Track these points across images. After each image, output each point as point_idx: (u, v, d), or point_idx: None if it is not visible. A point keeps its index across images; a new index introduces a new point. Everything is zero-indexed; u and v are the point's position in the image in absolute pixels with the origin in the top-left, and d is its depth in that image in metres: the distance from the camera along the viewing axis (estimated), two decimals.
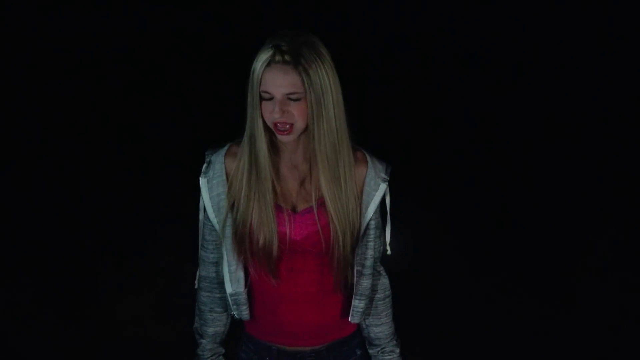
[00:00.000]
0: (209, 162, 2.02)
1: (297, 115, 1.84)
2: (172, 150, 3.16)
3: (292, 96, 1.82)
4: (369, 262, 2.03)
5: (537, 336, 3.46)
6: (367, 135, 2.04)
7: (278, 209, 1.96)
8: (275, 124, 1.85)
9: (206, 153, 2.04)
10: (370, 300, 2.11)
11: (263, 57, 1.82)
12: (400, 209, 2.09)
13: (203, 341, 2.14)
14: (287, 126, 1.84)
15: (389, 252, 2.12)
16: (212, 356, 2.15)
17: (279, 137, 1.87)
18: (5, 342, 3.19)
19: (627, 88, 3.26)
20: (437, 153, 3.24)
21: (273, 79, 1.82)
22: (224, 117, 2.60)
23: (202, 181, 2.02)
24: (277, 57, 1.81)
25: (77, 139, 3.16)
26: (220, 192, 2.00)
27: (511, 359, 3.39)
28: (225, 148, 2.02)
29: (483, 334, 3.42)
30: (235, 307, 2.06)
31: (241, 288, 2.04)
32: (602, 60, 3.21)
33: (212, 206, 2.01)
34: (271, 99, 1.84)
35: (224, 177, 1.99)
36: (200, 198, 2.05)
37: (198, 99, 3.12)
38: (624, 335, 3.43)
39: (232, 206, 1.98)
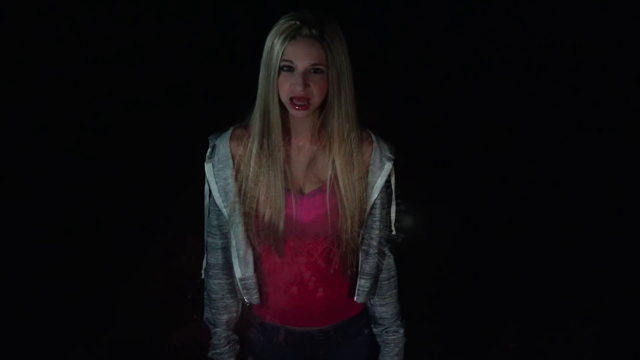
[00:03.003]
0: (214, 147, 2.00)
1: (317, 90, 1.84)
2: (172, 145, 3.16)
3: (316, 67, 1.83)
4: (374, 242, 2.05)
5: (536, 323, 3.49)
6: (373, 114, 2.05)
7: (286, 191, 1.95)
8: (292, 98, 1.85)
9: (210, 138, 2.02)
10: (375, 280, 2.12)
11: (286, 30, 1.82)
12: (406, 188, 2.11)
13: (218, 329, 2.13)
14: (305, 101, 1.84)
15: (394, 231, 2.13)
16: (227, 344, 2.14)
17: (294, 112, 1.86)
18: (6, 342, 3.18)
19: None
20: (443, 132, 3.25)
21: (299, 51, 1.82)
22: (226, 104, 2.60)
23: (207, 166, 2.00)
24: (305, 31, 1.81)
25: (75, 133, 3.15)
26: (227, 177, 1.98)
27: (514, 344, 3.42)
28: (230, 131, 2.00)
29: (487, 316, 3.43)
30: (245, 291, 2.06)
31: (250, 272, 2.04)
32: (602, 60, 3.24)
33: (219, 190, 1.99)
34: (292, 71, 1.84)
35: (230, 161, 1.97)
36: (205, 184, 2.03)
37: (198, 88, 3.13)
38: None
39: (240, 189, 1.98)
